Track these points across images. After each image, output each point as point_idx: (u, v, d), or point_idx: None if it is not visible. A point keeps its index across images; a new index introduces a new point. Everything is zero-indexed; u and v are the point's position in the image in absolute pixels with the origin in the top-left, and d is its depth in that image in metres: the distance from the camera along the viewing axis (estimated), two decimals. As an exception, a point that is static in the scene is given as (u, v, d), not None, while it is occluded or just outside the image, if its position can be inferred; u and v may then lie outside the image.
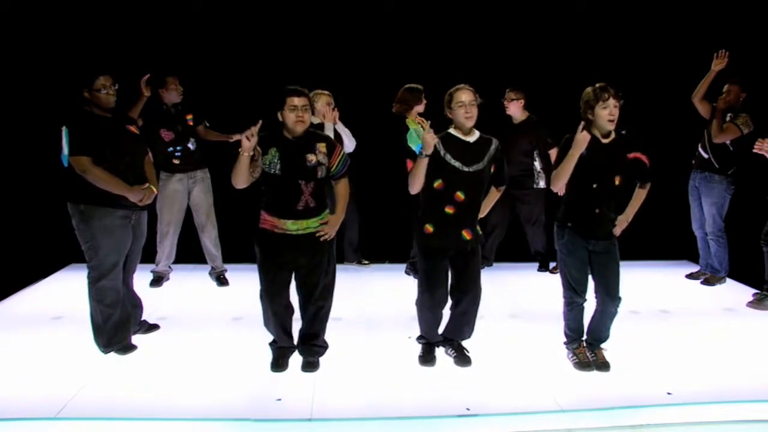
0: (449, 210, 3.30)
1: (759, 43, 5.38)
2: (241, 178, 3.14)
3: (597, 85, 3.25)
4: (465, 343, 3.61)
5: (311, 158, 3.20)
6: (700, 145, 5.04)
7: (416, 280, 5.14)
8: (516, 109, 5.27)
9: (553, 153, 5.24)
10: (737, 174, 4.89)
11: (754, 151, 4.05)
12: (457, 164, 3.27)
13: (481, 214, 3.45)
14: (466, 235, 3.35)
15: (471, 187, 3.31)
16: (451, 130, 3.37)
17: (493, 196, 3.51)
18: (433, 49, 5.68)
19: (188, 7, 5.55)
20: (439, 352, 3.62)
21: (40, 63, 5.23)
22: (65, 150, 3.30)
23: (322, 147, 3.25)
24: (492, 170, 3.38)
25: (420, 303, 3.50)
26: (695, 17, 5.69)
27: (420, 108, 4.94)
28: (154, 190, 3.61)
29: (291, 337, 3.50)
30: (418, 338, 3.61)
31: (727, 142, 4.81)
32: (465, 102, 3.31)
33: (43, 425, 2.82)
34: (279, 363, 3.39)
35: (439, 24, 5.77)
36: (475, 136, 3.36)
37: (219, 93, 5.46)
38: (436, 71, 5.22)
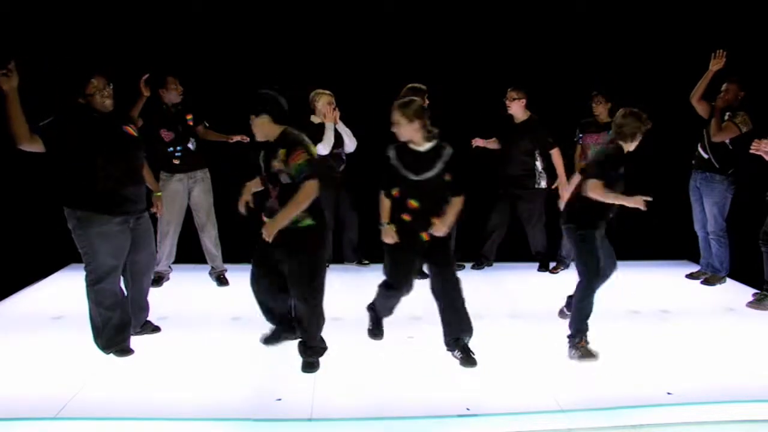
0: (405, 217, 3.46)
1: (758, 42, 5.38)
2: None
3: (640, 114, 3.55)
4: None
5: (275, 164, 3.25)
6: (699, 145, 5.04)
7: (416, 281, 5.18)
8: (517, 109, 5.27)
9: (554, 153, 5.25)
10: (738, 174, 4.89)
11: (751, 151, 4.08)
12: (407, 173, 3.40)
13: (446, 227, 3.44)
14: (425, 236, 3.46)
15: (424, 195, 3.42)
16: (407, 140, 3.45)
17: (455, 204, 3.48)
18: (434, 49, 5.68)
19: (188, 7, 5.54)
20: (438, 351, 3.63)
21: (40, 63, 5.21)
22: None
23: (282, 153, 3.23)
24: (448, 178, 3.43)
25: (381, 285, 3.69)
26: (695, 16, 5.69)
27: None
28: (160, 195, 3.72)
29: (282, 323, 3.61)
30: (369, 306, 3.84)
31: (726, 141, 4.82)
32: None
33: (43, 425, 2.82)
34: (266, 337, 3.64)
35: (440, 23, 5.78)
36: (428, 145, 3.41)
37: (219, 93, 5.46)
38: (437, 71, 5.24)
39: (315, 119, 5.13)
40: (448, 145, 3.45)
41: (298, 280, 3.35)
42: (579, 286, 3.67)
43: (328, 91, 5.10)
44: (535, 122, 5.28)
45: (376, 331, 3.85)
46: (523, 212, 5.48)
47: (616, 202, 3.52)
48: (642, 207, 3.45)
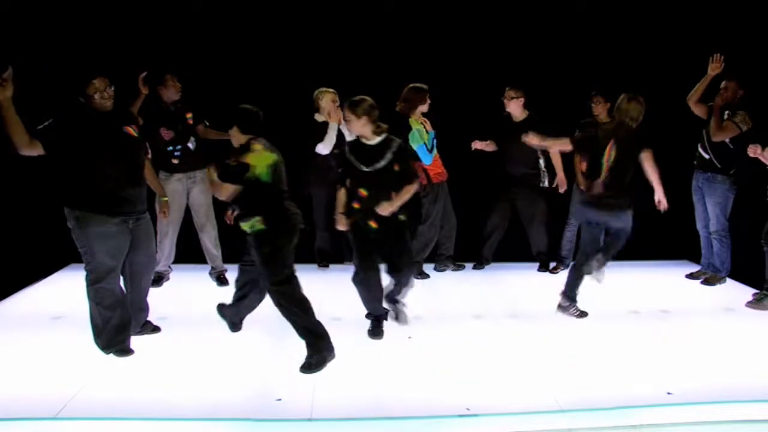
0: (356, 205, 3.78)
1: (758, 41, 5.38)
2: None
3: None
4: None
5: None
6: (700, 146, 5.05)
7: (416, 281, 5.19)
8: (516, 108, 5.27)
9: (554, 151, 5.26)
10: (740, 173, 4.89)
11: (749, 155, 4.16)
12: (359, 165, 3.72)
13: (392, 208, 3.69)
14: (372, 224, 3.74)
15: (373, 185, 3.72)
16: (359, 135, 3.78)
17: (406, 191, 3.74)
18: (434, 49, 5.68)
19: (188, 5, 5.54)
20: (438, 351, 3.63)
21: (39, 63, 5.21)
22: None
23: (232, 159, 3.38)
24: (396, 168, 3.71)
25: (353, 278, 3.87)
26: (694, 16, 5.69)
27: (424, 108, 4.93)
28: (167, 200, 3.83)
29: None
30: (366, 315, 3.98)
31: (727, 140, 4.82)
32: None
33: (43, 425, 2.82)
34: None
35: (440, 24, 5.77)
36: (378, 139, 3.73)
37: (219, 91, 5.45)
38: (437, 71, 5.23)
39: (319, 118, 5.13)
40: (397, 139, 3.78)
41: (263, 275, 3.48)
42: None
43: (332, 90, 5.10)
44: (534, 120, 5.28)
45: (376, 331, 3.93)
46: (525, 212, 5.46)
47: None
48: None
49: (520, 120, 5.30)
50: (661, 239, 5.75)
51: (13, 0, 5.19)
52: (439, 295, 4.84)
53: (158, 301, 4.26)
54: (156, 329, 3.89)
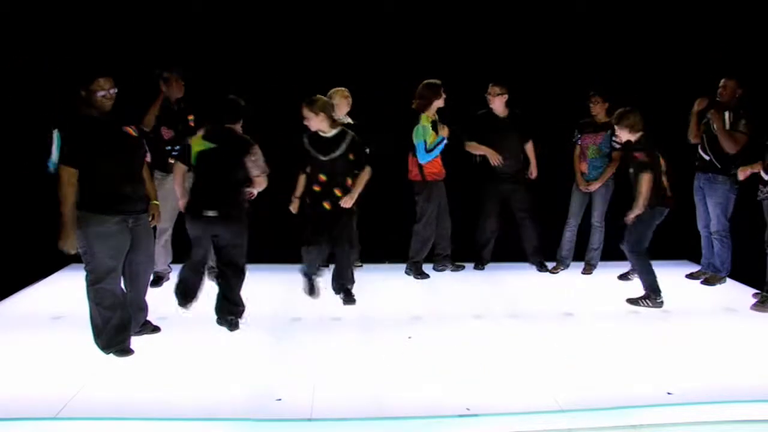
0: (316, 188, 4.38)
1: (757, 41, 5.38)
2: None
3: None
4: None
5: None
6: (699, 148, 5.05)
7: (416, 281, 5.20)
8: (500, 104, 5.29)
9: (530, 144, 5.41)
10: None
11: (740, 179, 4.52)
12: (317, 155, 4.32)
13: (353, 199, 4.38)
14: (326, 205, 4.36)
15: (330, 171, 4.33)
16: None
17: (361, 179, 4.41)
18: (434, 49, 5.67)
19: (188, 6, 5.53)
20: (438, 351, 3.63)
21: (39, 63, 5.21)
22: (54, 155, 3.28)
23: None
24: (351, 157, 4.33)
25: (302, 247, 4.52)
26: (694, 16, 5.68)
27: (440, 102, 4.99)
28: (157, 204, 3.78)
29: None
30: (303, 274, 4.62)
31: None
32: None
33: (43, 425, 2.82)
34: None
35: (440, 24, 5.77)
36: (334, 132, 4.33)
37: (218, 90, 5.44)
38: (437, 71, 5.22)
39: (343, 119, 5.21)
40: (351, 132, 4.37)
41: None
42: None
43: (343, 88, 5.14)
44: (518, 115, 5.33)
45: (312, 289, 4.60)
46: (520, 207, 5.45)
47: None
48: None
49: (505, 116, 5.31)
50: (661, 239, 5.74)
51: (13, 0, 5.19)
52: (439, 295, 4.84)
53: (158, 301, 4.26)
54: (156, 329, 3.89)
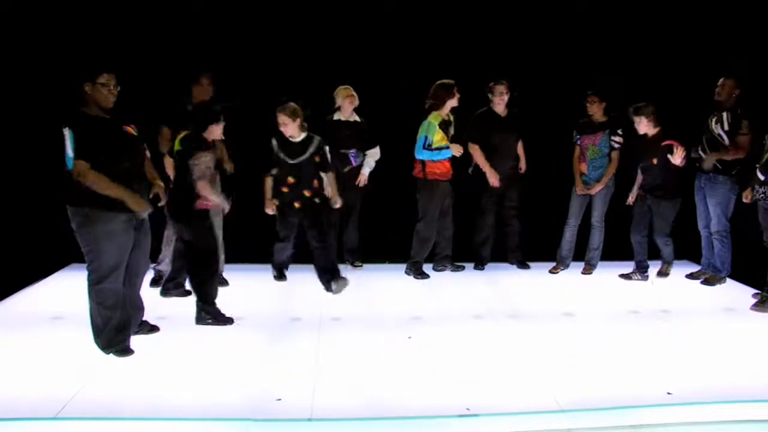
0: (284, 189, 4.62)
1: (757, 40, 5.38)
2: None
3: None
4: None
5: None
6: (699, 148, 5.05)
7: (416, 281, 5.19)
8: (503, 104, 5.29)
9: (521, 143, 5.42)
10: (741, 174, 4.89)
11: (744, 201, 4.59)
12: (286, 158, 4.56)
13: (337, 198, 4.73)
14: (296, 204, 4.60)
15: (298, 174, 4.57)
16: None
17: (329, 179, 4.70)
18: (433, 50, 5.68)
19: (188, 6, 5.53)
20: (438, 351, 3.63)
21: (40, 63, 5.21)
22: (70, 152, 3.27)
23: None
24: (317, 160, 4.56)
25: (275, 242, 4.88)
26: (693, 15, 5.68)
27: (453, 102, 5.01)
28: (161, 185, 3.69)
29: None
30: (273, 265, 4.94)
31: (726, 143, 4.84)
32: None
33: (43, 425, 2.82)
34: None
35: (440, 24, 5.77)
36: (302, 137, 4.55)
37: (221, 92, 5.44)
38: (437, 71, 5.22)
39: (337, 116, 5.23)
40: (317, 136, 4.58)
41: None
42: None
43: (346, 86, 5.15)
44: (516, 115, 5.36)
45: (280, 276, 4.97)
46: (510, 203, 5.49)
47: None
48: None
49: (505, 115, 5.32)
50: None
51: (15, 1, 5.19)
52: (438, 295, 4.84)
53: (158, 301, 4.26)
54: (153, 329, 3.88)
